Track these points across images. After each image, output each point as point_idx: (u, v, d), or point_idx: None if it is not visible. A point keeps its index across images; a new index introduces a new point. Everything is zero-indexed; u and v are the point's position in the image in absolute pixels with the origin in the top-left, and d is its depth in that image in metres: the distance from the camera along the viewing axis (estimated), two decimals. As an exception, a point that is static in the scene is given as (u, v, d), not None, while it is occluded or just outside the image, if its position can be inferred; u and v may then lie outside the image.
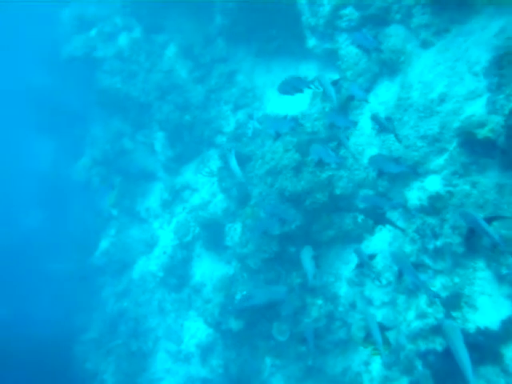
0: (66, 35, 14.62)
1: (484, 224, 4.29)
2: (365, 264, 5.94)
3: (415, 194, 6.93)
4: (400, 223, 7.11)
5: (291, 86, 6.13)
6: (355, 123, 8.17)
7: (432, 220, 6.50)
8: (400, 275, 5.16)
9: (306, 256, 6.27)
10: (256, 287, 8.74)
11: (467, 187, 6.10)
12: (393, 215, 7.22)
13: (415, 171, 6.89)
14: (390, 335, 6.53)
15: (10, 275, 16.12)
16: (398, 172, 5.94)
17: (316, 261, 6.29)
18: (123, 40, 13.75)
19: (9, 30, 18.70)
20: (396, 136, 6.49)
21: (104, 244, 13.74)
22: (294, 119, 6.32)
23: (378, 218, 6.11)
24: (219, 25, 11.83)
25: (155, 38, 13.29)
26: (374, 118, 6.34)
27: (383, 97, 7.96)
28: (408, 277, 5.10)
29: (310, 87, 6.30)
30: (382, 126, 6.14)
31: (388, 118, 6.58)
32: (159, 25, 13.25)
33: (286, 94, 6.52)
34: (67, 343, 13.45)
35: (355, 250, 6.00)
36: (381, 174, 5.94)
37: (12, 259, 16.27)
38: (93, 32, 14.26)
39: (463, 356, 4.05)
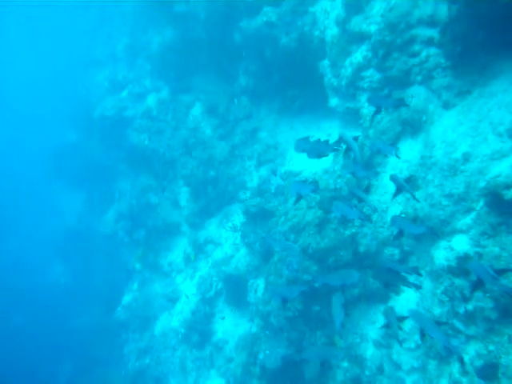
0: (99, 95, 15.53)
1: (493, 273, 4.41)
2: (392, 326, 5.74)
3: (442, 254, 6.75)
4: (426, 283, 6.91)
5: (317, 152, 6.23)
6: (375, 173, 8.23)
7: (461, 282, 6.30)
8: (422, 335, 5.04)
9: (337, 303, 6.07)
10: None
11: (496, 249, 5.93)
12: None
13: (435, 233, 6.79)
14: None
15: (35, 329, 16.13)
16: (418, 233, 5.88)
17: (346, 309, 6.09)
18: (151, 100, 14.51)
19: (45, 92, 19.97)
20: (413, 197, 6.49)
21: (127, 298, 13.73)
22: (314, 183, 6.39)
23: (392, 279, 6.03)
24: (243, 84, 12.35)
25: (182, 97, 13.93)
26: (393, 179, 6.37)
27: (406, 155, 7.99)
28: (430, 335, 4.94)
29: (335, 149, 6.40)
30: (401, 186, 6.16)
31: (408, 179, 6.59)
32: (185, 85, 13.92)
33: (301, 153, 6.60)
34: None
35: (385, 312, 5.81)
36: (400, 235, 5.97)
37: (38, 312, 16.35)
38: (123, 93, 15.14)
39: None
